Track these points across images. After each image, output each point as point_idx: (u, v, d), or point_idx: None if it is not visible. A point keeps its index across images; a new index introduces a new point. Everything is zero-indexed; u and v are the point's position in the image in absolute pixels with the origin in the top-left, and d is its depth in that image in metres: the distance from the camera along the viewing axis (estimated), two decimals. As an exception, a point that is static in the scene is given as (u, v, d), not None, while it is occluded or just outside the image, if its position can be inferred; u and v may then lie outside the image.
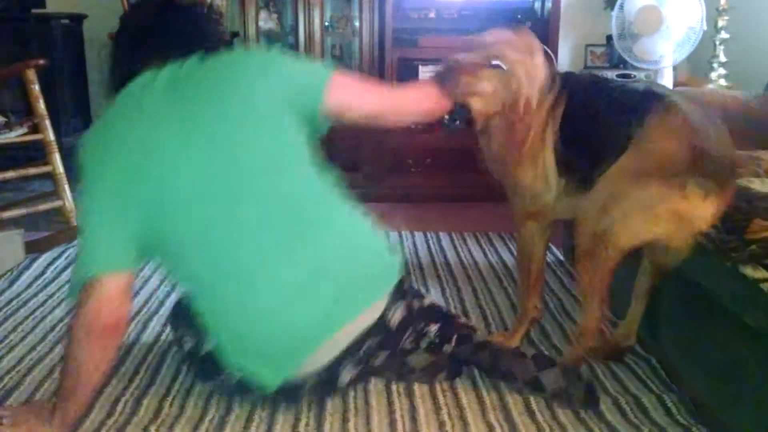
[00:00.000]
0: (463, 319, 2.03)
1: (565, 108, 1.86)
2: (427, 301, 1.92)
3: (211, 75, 1.63)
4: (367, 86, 1.81)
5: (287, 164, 1.64)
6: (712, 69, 3.21)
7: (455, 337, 1.86)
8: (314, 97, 1.69)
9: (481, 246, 3.10)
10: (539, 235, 1.99)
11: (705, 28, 3.03)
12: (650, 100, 1.76)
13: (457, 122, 1.93)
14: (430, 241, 3.17)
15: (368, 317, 1.69)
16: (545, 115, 1.86)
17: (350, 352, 1.68)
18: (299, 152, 1.66)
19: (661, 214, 1.66)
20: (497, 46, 1.84)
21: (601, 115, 1.83)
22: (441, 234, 3.27)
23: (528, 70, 1.78)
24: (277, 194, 1.61)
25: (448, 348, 1.85)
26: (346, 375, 1.71)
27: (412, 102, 1.86)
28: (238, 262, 1.59)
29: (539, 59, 1.80)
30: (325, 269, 1.63)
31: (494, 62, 1.87)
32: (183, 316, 1.78)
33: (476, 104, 1.90)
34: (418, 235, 3.24)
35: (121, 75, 1.67)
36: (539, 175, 1.89)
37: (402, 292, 1.78)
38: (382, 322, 1.71)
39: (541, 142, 1.87)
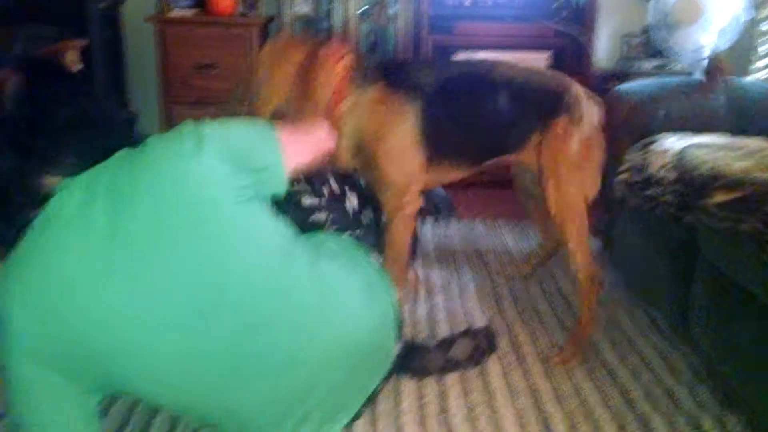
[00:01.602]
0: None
1: (429, 97, 1.94)
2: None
3: (153, 193, 1.24)
4: (302, 135, 1.57)
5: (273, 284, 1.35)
6: (750, 61, 3.16)
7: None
8: (273, 172, 1.40)
9: (525, 234, 3.09)
10: (410, 225, 2.03)
11: (746, 18, 2.97)
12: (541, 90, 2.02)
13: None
14: (464, 228, 3.16)
15: None
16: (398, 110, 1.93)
17: None
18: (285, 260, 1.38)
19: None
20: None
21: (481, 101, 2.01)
22: (476, 220, 3.26)
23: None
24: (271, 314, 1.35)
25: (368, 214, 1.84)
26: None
27: (326, 134, 1.67)
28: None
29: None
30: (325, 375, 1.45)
31: None
32: None
33: None
34: (453, 221, 3.23)
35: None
36: (407, 170, 1.96)
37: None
38: None
39: (404, 135, 1.93)
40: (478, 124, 2.03)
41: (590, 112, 2.05)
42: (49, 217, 1.23)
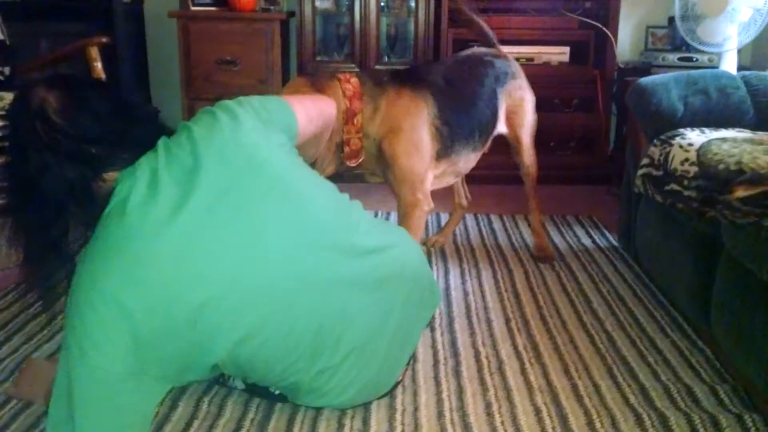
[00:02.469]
0: None
1: (439, 96, 2.17)
2: None
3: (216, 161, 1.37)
4: (306, 102, 1.78)
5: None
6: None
7: None
8: (291, 132, 1.61)
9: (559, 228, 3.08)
10: (423, 222, 2.18)
11: (770, 11, 2.91)
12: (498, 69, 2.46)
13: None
14: (482, 223, 3.16)
15: None
16: (416, 108, 2.11)
17: None
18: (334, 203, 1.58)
19: None
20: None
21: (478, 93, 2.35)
22: (492, 216, 3.25)
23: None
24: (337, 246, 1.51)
25: None
26: None
27: (328, 108, 1.88)
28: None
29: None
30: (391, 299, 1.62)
31: None
32: None
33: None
34: (470, 217, 3.23)
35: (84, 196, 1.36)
36: (423, 164, 2.13)
37: None
38: None
39: (420, 129, 2.12)
40: (476, 106, 2.32)
41: (521, 70, 2.57)
42: (124, 205, 1.31)
